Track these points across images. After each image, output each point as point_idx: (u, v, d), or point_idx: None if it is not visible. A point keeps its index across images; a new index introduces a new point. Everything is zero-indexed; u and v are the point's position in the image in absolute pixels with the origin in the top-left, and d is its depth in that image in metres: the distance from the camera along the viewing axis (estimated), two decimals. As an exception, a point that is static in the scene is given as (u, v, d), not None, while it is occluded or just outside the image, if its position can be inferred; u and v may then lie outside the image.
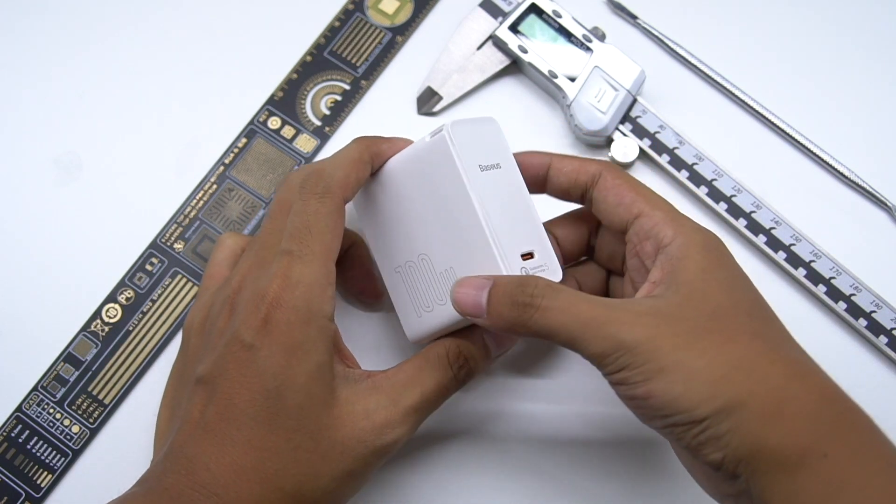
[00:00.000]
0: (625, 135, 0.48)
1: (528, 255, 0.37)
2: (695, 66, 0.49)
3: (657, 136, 0.47)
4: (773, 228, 0.46)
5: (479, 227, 0.36)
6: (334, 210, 0.37)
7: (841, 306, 0.45)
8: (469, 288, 0.36)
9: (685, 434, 0.33)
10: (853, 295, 0.45)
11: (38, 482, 0.44)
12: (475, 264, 0.36)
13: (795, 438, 0.32)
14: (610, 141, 0.48)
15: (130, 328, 0.46)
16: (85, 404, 0.45)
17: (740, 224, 0.46)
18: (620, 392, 0.34)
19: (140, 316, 0.46)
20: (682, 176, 0.47)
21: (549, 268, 0.37)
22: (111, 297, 0.46)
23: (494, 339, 0.41)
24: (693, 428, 0.32)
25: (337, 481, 0.36)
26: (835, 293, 0.45)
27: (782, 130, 0.48)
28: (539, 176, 0.40)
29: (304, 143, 0.49)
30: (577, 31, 0.48)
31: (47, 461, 0.44)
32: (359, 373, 0.38)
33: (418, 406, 0.38)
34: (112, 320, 0.46)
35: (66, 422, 0.45)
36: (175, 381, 0.41)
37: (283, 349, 0.35)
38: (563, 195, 0.40)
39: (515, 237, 0.36)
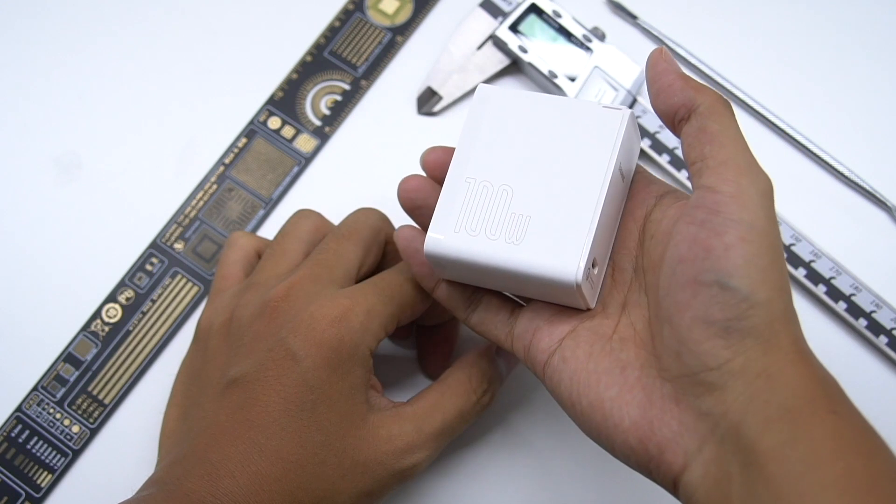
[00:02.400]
0: (625, 135, 0.48)
1: (594, 264, 0.36)
2: (695, 66, 0.49)
3: (657, 136, 0.47)
4: (773, 228, 0.46)
5: (588, 214, 0.35)
6: (424, 298, 0.40)
7: (841, 306, 0.45)
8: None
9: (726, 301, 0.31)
10: (853, 295, 0.45)
11: (38, 482, 0.44)
12: (558, 235, 0.35)
13: (804, 388, 0.30)
14: (610, 141, 0.48)
15: (130, 328, 0.46)
16: (85, 404, 0.45)
17: (740, 224, 0.46)
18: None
19: (140, 316, 0.46)
20: (683, 176, 0.47)
21: (593, 290, 0.36)
22: (111, 297, 0.46)
23: (506, 360, 0.41)
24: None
25: (353, 500, 0.36)
26: (835, 293, 0.45)
27: (782, 130, 0.48)
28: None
29: (304, 143, 0.49)
30: (577, 31, 0.48)
31: (47, 461, 0.44)
32: (386, 402, 0.38)
33: (440, 432, 0.38)
34: (112, 320, 0.46)
35: (66, 422, 0.45)
36: (187, 380, 0.41)
37: (327, 363, 0.36)
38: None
39: (599, 243, 0.36)
